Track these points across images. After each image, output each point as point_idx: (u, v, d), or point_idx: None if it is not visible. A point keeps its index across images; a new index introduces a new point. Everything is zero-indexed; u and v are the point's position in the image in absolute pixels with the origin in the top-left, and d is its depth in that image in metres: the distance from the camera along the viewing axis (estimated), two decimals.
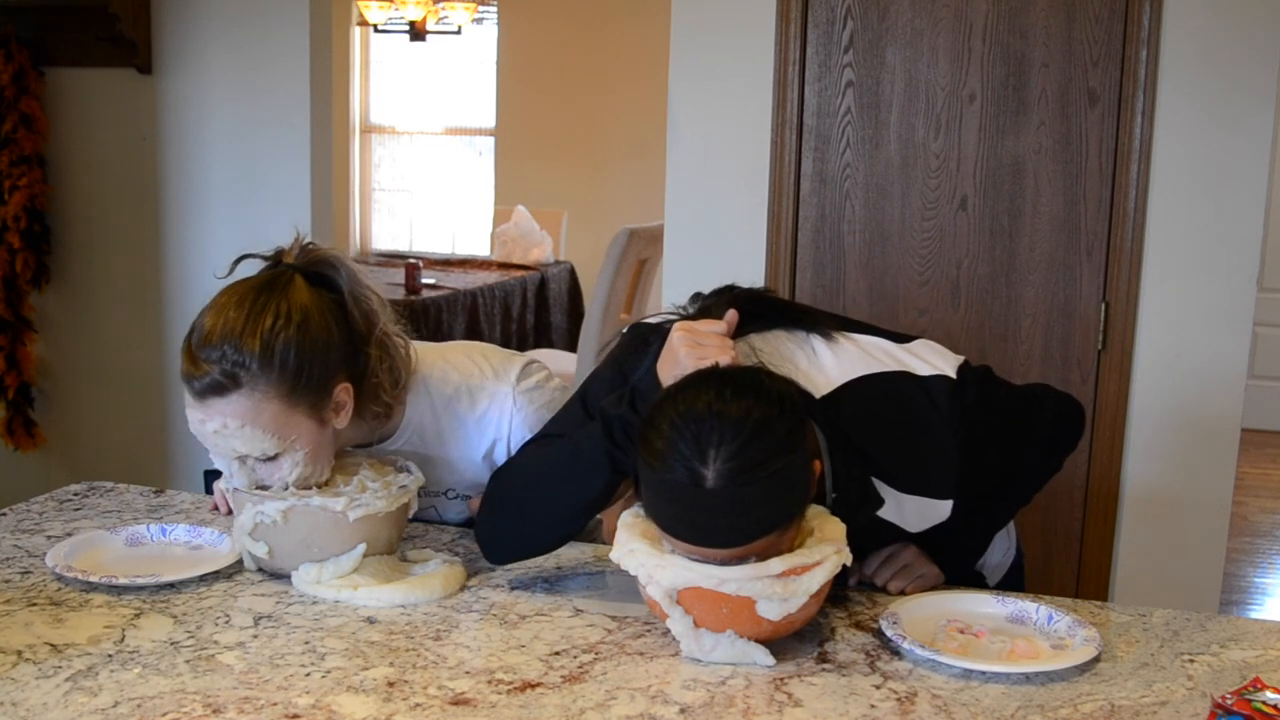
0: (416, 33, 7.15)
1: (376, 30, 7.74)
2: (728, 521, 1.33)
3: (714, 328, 1.50)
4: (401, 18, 7.19)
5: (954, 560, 1.66)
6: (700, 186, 3.12)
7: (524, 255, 6.31)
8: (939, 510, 1.57)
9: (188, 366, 1.53)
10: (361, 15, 7.31)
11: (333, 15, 3.63)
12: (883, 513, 1.56)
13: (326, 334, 1.57)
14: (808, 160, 3.06)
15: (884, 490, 1.55)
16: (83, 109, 3.69)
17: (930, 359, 1.60)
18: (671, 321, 1.55)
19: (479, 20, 7.66)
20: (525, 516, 1.60)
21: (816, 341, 1.58)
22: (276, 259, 1.64)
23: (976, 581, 1.76)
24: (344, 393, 1.60)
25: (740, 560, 1.36)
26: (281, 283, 1.57)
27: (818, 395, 1.51)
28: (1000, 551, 1.82)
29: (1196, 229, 2.83)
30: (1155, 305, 2.87)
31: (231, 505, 1.65)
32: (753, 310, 1.58)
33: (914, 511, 1.57)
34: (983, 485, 1.63)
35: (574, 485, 1.55)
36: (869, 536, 1.60)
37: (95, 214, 3.73)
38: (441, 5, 7.17)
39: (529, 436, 1.71)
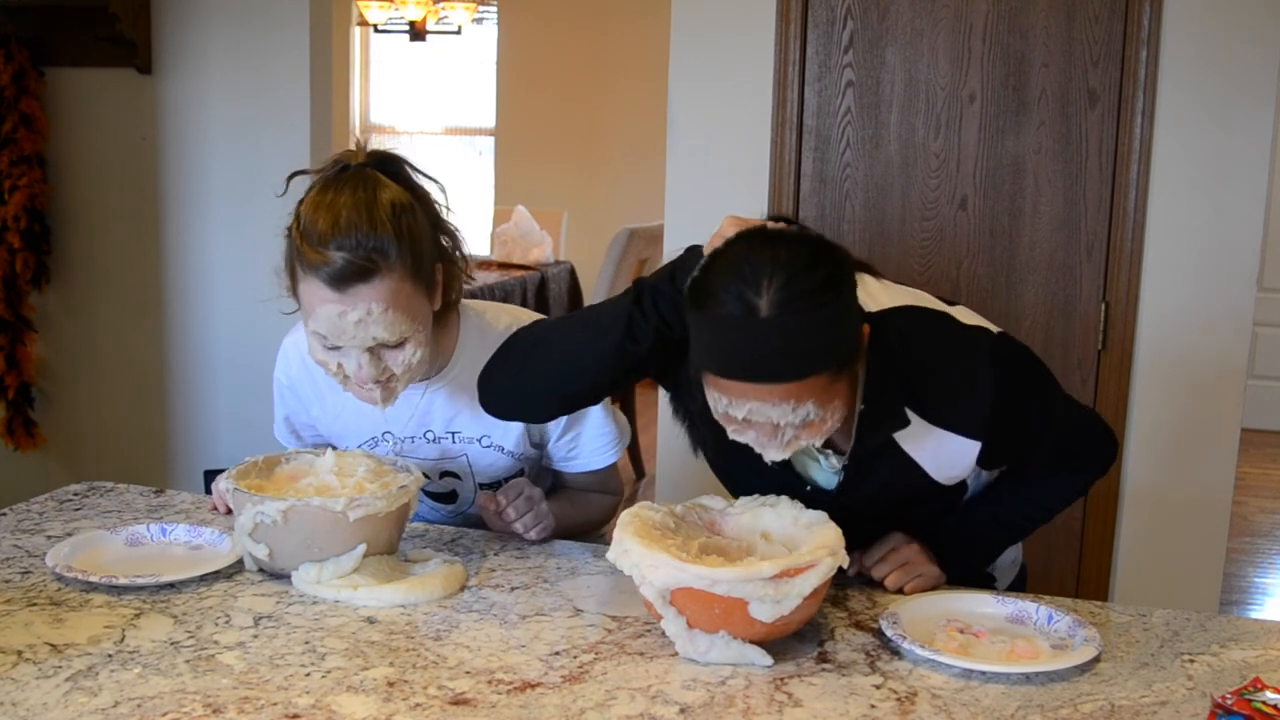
0: (416, 33, 7.16)
1: (376, 30, 7.75)
2: (782, 349, 1.34)
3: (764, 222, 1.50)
4: (401, 18, 7.19)
5: (959, 559, 1.65)
6: (700, 186, 3.12)
7: (524, 255, 6.31)
8: (966, 453, 1.54)
9: (318, 259, 1.54)
10: (361, 15, 7.31)
11: (333, 15, 3.63)
12: (911, 451, 1.55)
13: (422, 219, 1.63)
14: (808, 160, 3.06)
15: (915, 421, 1.53)
16: (83, 109, 3.69)
17: (971, 319, 1.62)
18: None
19: (479, 20, 7.66)
20: (528, 359, 1.62)
21: (867, 275, 1.60)
22: (336, 164, 1.66)
23: (985, 583, 1.76)
24: (439, 273, 1.66)
25: (794, 407, 1.37)
26: (370, 176, 1.61)
27: (872, 306, 1.52)
28: (1011, 552, 1.82)
29: (1196, 229, 2.83)
30: (1155, 305, 2.88)
31: (231, 505, 1.65)
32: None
33: (941, 450, 1.55)
34: (1006, 450, 1.60)
35: (583, 336, 1.58)
36: (889, 499, 1.60)
37: (95, 214, 3.73)
38: (441, 5, 7.17)
39: None
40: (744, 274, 1.35)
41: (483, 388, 1.66)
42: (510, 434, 1.81)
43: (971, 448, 1.54)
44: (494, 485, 1.85)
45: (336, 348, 1.61)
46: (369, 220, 1.54)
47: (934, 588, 1.61)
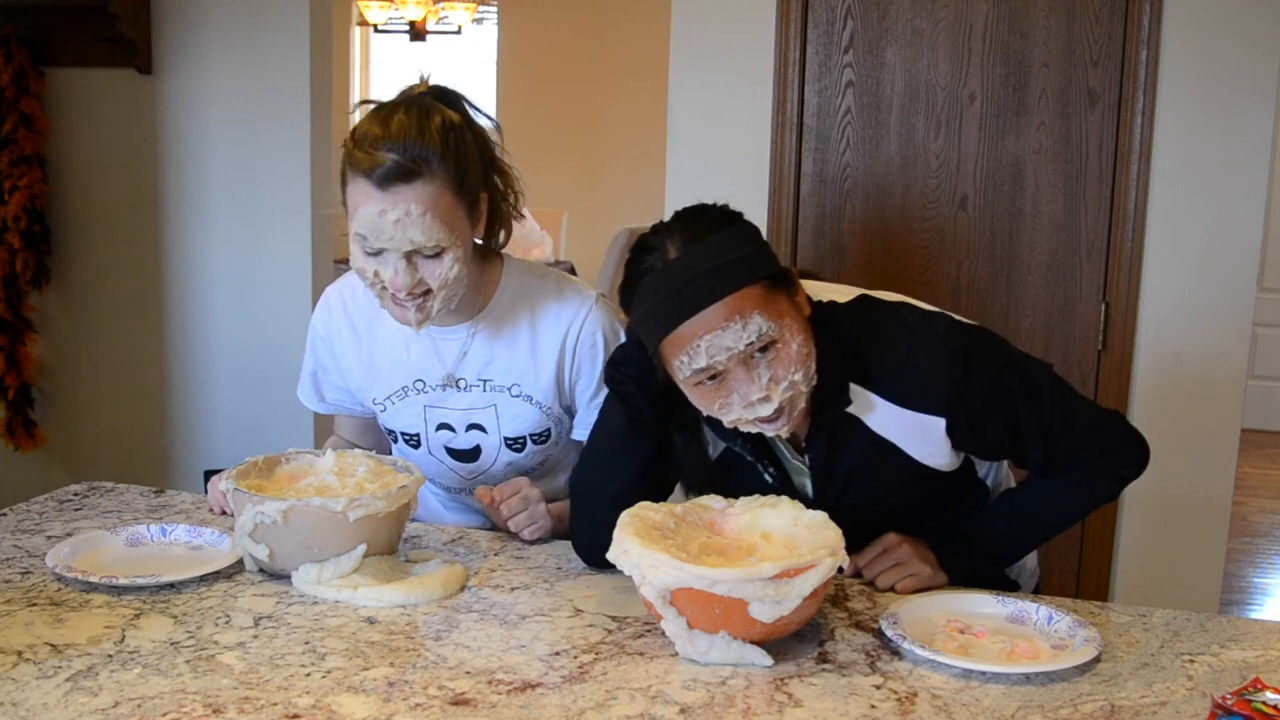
0: (416, 33, 7.16)
1: (376, 30, 7.75)
2: (702, 272, 1.44)
3: None
4: (401, 18, 7.19)
5: (959, 559, 1.64)
6: (700, 186, 3.11)
7: (524, 255, 6.28)
8: (935, 431, 1.56)
9: (365, 161, 1.60)
10: (361, 15, 7.31)
11: (333, 15, 3.63)
12: (881, 430, 1.57)
13: (473, 146, 1.69)
14: (808, 160, 3.06)
15: (873, 400, 1.56)
16: (83, 109, 3.69)
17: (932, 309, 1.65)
18: None
19: (479, 20, 7.66)
20: (578, 495, 1.70)
21: (823, 281, 1.69)
22: (402, 94, 1.73)
23: (1009, 589, 1.74)
24: (484, 203, 1.72)
25: (742, 324, 1.42)
26: (426, 102, 1.68)
27: (815, 299, 1.58)
28: (1031, 560, 1.83)
29: (1196, 229, 2.84)
30: (1155, 305, 2.88)
31: (231, 506, 1.65)
32: None
33: (911, 429, 1.57)
34: (984, 434, 1.59)
35: (598, 435, 1.67)
36: (880, 485, 1.61)
37: (95, 214, 3.73)
38: (441, 5, 7.17)
39: (598, 336, 1.81)
40: (647, 245, 1.50)
41: (577, 548, 1.70)
42: (540, 384, 1.83)
43: (937, 425, 1.56)
44: (520, 443, 1.86)
45: (377, 253, 1.64)
46: (418, 129, 1.62)
47: (929, 588, 1.61)
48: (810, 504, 1.57)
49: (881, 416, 1.57)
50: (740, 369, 1.45)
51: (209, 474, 1.94)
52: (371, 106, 1.72)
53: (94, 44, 3.59)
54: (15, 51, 3.57)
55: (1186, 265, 2.85)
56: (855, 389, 1.56)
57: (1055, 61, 2.88)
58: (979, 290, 2.98)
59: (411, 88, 1.75)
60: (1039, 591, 1.84)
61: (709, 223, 1.49)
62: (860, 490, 1.62)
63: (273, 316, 3.57)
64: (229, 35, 3.52)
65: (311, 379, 1.95)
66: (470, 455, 1.89)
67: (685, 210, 1.54)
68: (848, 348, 1.55)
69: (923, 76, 2.97)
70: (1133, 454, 1.66)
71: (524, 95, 7.59)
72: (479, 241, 1.78)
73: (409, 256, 1.63)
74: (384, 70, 8.13)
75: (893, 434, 1.58)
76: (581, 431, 1.87)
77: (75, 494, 1.95)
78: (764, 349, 1.45)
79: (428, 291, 1.66)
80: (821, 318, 1.55)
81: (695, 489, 1.68)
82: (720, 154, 3.10)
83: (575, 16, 7.39)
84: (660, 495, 1.66)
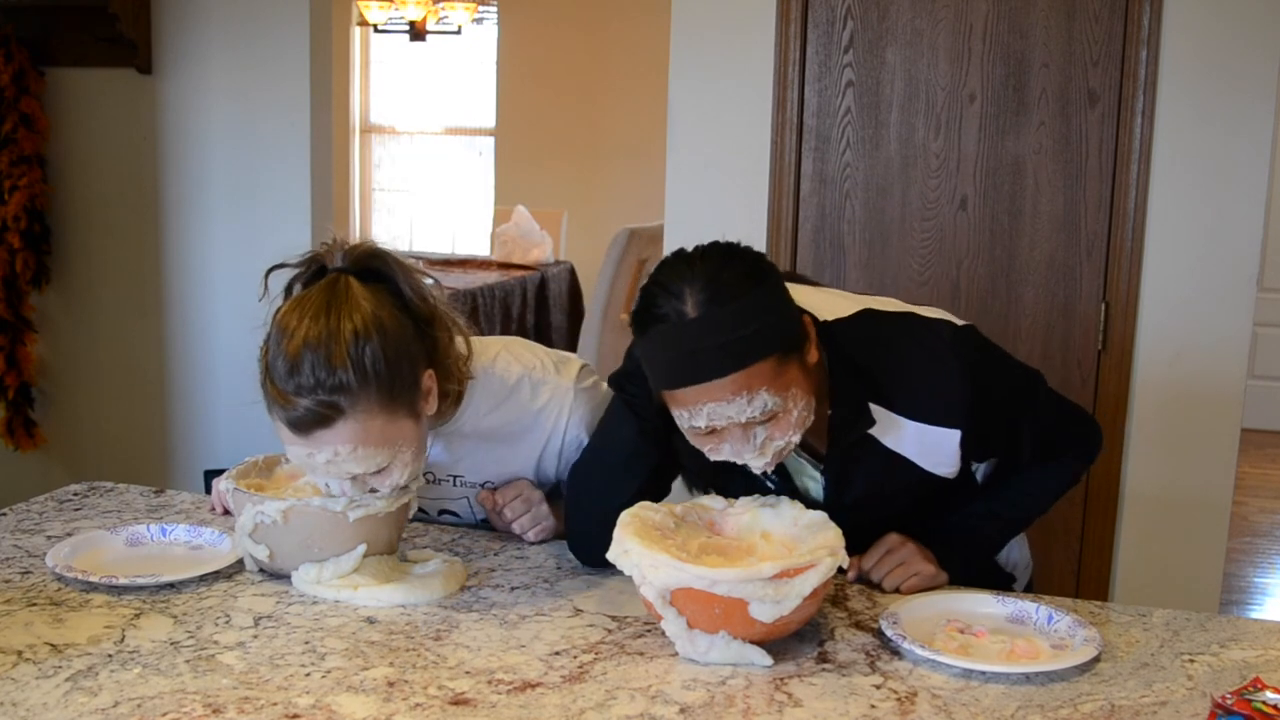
0: (416, 33, 7.16)
1: (376, 30, 7.74)
2: (716, 343, 1.39)
3: None
4: (401, 18, 7.19)
5: (960, 556, 1.65)
6: (700, 186, 3.12)
7: (524, 255, 6.30)
8: (949, 441, 1.57)
9: (280, 401, 1.47)
10: (361, 15, 7.31)
11: (333, 15, 3.63)
12: (893, 445, 1.57)
13: (400, 328, 1.52)
14: (808, 160, 3.06)
15: (891, 418, 1.56)
16: (83, 109, 3.69)
17: (936, 314, 1.65)
18: None
19: (479, 20, 7.66)
20: (578, 497, 1.67)
21: (808, 287, 1.67)
22: (313, 265, 1.58)
23: (1005, 581, 1.76)
24: (430, 379, 1.57)
25: (748, 399, 1.39)
26: (341, 290, 1.51)
27: (821, 319, 1.55)
28: (1025, 553, 1.83)
29: (1196, 229, 2.83)
30: (1155, 305, 2.87)
31: (231, 506, 1.65)
32: None
33: (924, 442, 1.57)
34: (994, 440, 1.62)
35: (606, 443, 1.65)
36: (885, 496, 1.61)
37: (95, 214, 3.73)
38: (441, 5, 7.17)
39: (582, 436, 1.73)
40: (669, 288, 1.42)
41: (573, 548, 1.69)
42: (518, 476, 1.78)
43: (951, 437, 1.56)
44: None
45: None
46: (327, 359, 1.45)
47: (933, 587, 1.61)
48: (812, 506, 1.58)
49: (895, 432, 1.57)
50: (738, 430, 1.44)
51: (209, 474, 1.93)
52: (290, 277, 1.57)
53: (94, 44, 3.59)
54: (15, 51, 3.57)
55: (1186, 265, 2.84)
56: (872, 408, 1.57)
57: (1055, 61, 2.88)
58: (979, 290, 2.98)
59: (325, 252, 1.56)
60: (1033, 583, 1.85)
61: (733, 283, 1.41)
62: (868, 500, 1.63)
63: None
64: (229, 35, 3.52)
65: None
66: (446, 525, 1.88)
67: (713, 255, 1.45)
68: (860, 369, 1.55)
69: (923, 76, 2.97)
70: (1096, 437, 1.75)
71: (524, 95, 7.58)
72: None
73: (355, 479, 1.54)
74: (384, 70, 8.14)
75: (906, 448, 1.58)
76: None
77: (75, 494, 1.95)
78: (765, 421, 1.44)
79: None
80: (831, 342, 1.54)
81: (698, 488, 1.69)
82: (720, 154, 3.10)
83: (575, 16, 7.38)
84: (661, 497, 1.67)
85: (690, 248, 1.48)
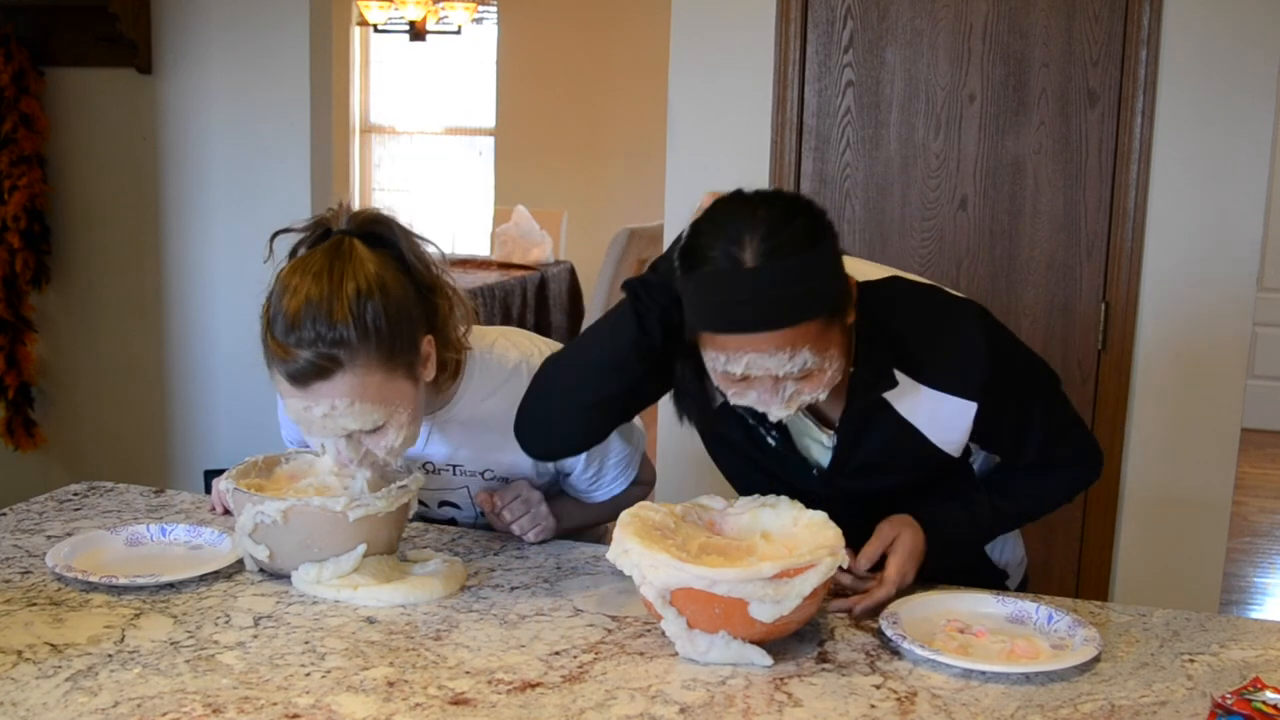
0: (416, 33, 7.16)
1: (376, 30, 7.75)
2: (771, 296, 1.36)
3: None
4: (401, 18, 7.19)
5: (953, 544, 1.64)
6: (700, 186, 3.08)
7: (524, 255, 6.31)
8: (962, 415, 1.56)
9: (280, 353, 1.49)
10: (361, 15, 7.31)
11: (333, 15, 3.63)
12: (906, 413, 1.56)
13: (403, 291, 1.55)
14: (808, 160, 3.06)
15: (909, 383, 1.55)
16: (83, 109, 3.69)
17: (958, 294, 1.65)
18: None
19: (479, 20, 7.67)
20: (554, 382, 1.63)
21: (855, 255, 1.63)
22: (318, 228, 1.60)
23: (998, 578, 1.77)
24: (429, 345, 1.59)
25: (790, 355, 1.38)
26: (345, 250, 1.54)
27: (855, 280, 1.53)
28: (1020, 550, 1.83)
29: (1196, 229, 2.83)
30: (1155, 305, 2.88)
31: (231, 506, 1.65)
32: None
33: (937, 413, 1.57)
34: (1004, 426, 1.62)
35: (600, 342, 1.59)
36: (888, 467, 1.61)
37: (95, 214, 3.73)
38: (441, 5, 7.17)
39: None
40: (727, 231, 1.39)
41: (518, 429, 1.66)
42: (517, 469, 1.77)
43: (967, 409, 1.56)
44: None
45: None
46: (329, 314, 1.47)
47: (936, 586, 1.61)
48: (817, 472, 1.60)
49: (911, 399, 1.56)
50: (770, 382, 1.44)
51: (209, 474, 1.94)
52: (295, 241, 1.59)
53: (94, 44, 3.59)
54: (15, 51, 3.57)
55: (1186, 265, 2.84)
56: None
57: (1055, 61, 2.88)
58: (979, 290, 2.97)
59: (331, 215, 1.60)
60: (1027, 581, 1.85)
61: (796, 237, 1.39)
62: (872, 466, 1.62)
63: None
64: (229, 35, 3.52)
65: (287, 430, 1.89)
66: (445, 523, 1.88)
67: (777, 203, 1.43)
68: (886, 331, 1.54)
69: (923, 76, 2.97)
70: (1098, 456, 1.73)
71: (524, 95, 7.59)
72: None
73: (349, 436, 1.56)
74: (384, 70, 8.14)
75: (918, 417, 1.58)
76: (579, 494, 1.84)
77: (75, 494, 1.95)
78: (801, 378, 1.44)
79: (375, 458, 1.59)
80: (859, 303, 1.52)
81: (692, 421, 1.64)
82: (720, 154, 3.10)
83: (575, 16, 7.39)
84: (626, 419, 1.69)
85: (749, 190, 1.46)
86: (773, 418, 1.49)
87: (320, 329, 1.47)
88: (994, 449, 1.71)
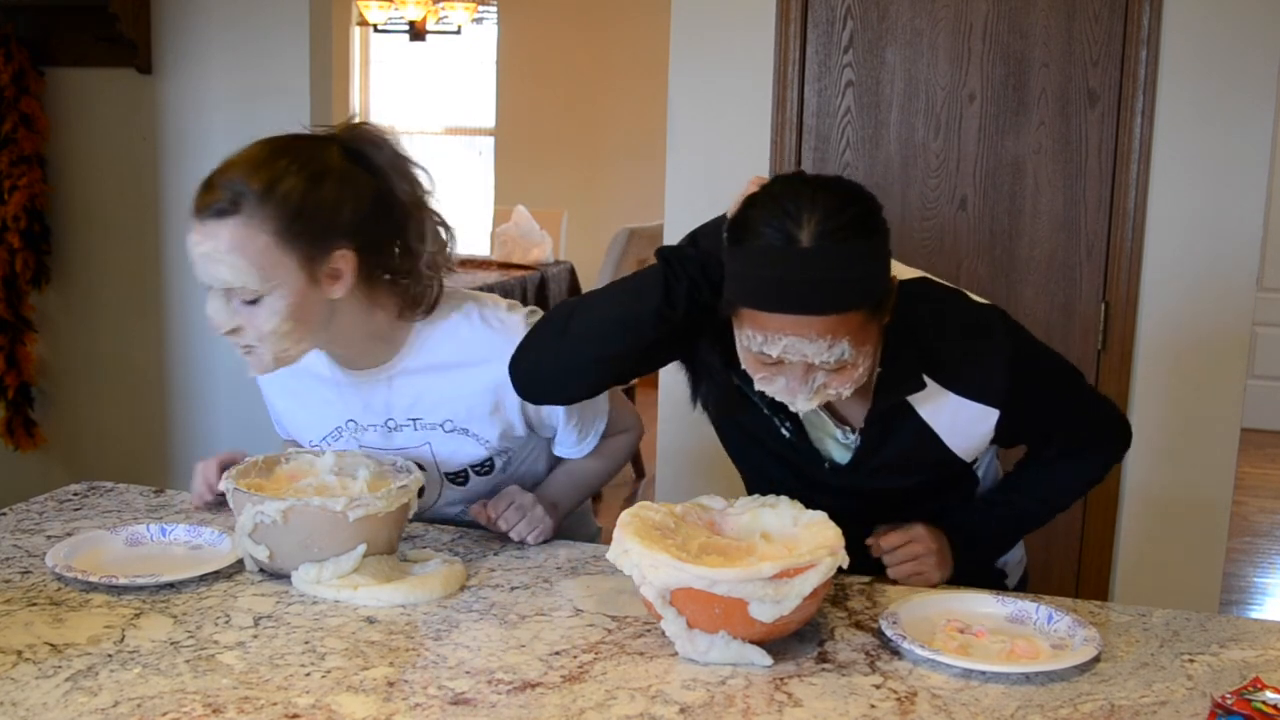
0: (416, 33, 7.16)
1: (376, 30, 7.75)
2: (823, 279, 1.35)
3: None
4: (401, 18, 7.19)
5: (977, 549, 1.65)
6: (700, 186, 3.11)
7: (524, 255, 6.30)
8: (983, 421, 1.56)
9: (199, 192, 1.57)
10: (361, 15, 7.31)
11: (333, 15, 3.63)
12: (928, 417, 1.56)
13: (338, 196, 1.59)
14: (808, 160, 3.06)
15: (934, 387, 1.55)
16: (83, 109, 3.69)
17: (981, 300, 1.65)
18: None
19: (479, 20, 7.66)
20: (568, 325, 1.60)
21: None
22: (329, 129, 1.68)
23: (997, 578, 1.77)
24: (343, 260, 1.60)
25: (830, 344, 1.37)
26: (314, 142, 1.62)
27: None
28: (1019, 549, 1.84)
29: (1196, 229, 2.84)
30: (1155, 305, 2.88)
31: (231, 506, 1.65)
32: None
33: (958, 418, 1.56)
34: (1028, 428, 1.62)
35: (624, 299, 1.57)
36: (904, 470, 1.61)
37: (95, 214, 3.73)
38: (441, 5, 7.17)
39: None
40: (785, 208, 1.38)
41: (514, 365, 1.64)
42: (475, 416, 1.75)
43: (989, 416, 1.56)
44: (462, 477, 1.82)
45: (209, 289, 1.60)
46: (250, 166, 1.56)
47: (936, 584, 1.61)
48: (826, 465, 1.60)
49: (934, 403, 1.56)
50: (801, 369, 1.43)
51: None
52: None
53: (94, 44, 3.59)
54: (15, 51, 3.57)
55: (1186, 265, 2.84)
56: None
57: (1055, 61, 2.88)
58: (979, 290, 2.93)
59: (341, 125, 1.68)
60: (1027, 580, 1.85)
61: (852, 225, 1.39)
62: (888, 469, 1.63)
63: None
64: (229, 35, 3.52)
65: (273, 412, 1.93)
66: (446, 524, 1.87)
67: (836, 189, 1.43)
68: (915, 332, 1.53)
69: (922, 76, 2.97)
70: (1125, 436, 1.75)
71: (524, 95, 7.59)
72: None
73: (226, 296, 1.58)
74: (384, 70, 8.14)
75: (939, 422, 1.57)
76: (565, 449, 1.85)
77: (75, 494, 1.95)
78: (834, 370, 1.43)
79: (250, 339, 1.60)
80: (896, 302, 1.51)
81: (705, 407, 1.64)
82: (720, 154, 3.10)
83: (575, 16, 7.39)
84: (622, 382, 1.71)
85: (808, 175, 1.46)
86: (795, 408, 1.48)
87: (234, 176, 1.55)
88: (1020, 444, 1.72)
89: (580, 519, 1.98)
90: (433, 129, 8.04)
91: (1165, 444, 2.90)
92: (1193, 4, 2.77)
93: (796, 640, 1.44)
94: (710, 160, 3.11)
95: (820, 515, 1.51)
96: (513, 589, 1.60)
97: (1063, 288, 2.94)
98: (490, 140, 7.83)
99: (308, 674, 1.33)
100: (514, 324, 1.73)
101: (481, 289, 6.09)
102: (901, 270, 1.59)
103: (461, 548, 1.75)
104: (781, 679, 1.35)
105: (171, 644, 1.39)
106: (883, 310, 1.45)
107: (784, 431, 1.63)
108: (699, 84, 3.10)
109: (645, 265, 1.62)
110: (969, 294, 1.64)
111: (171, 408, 3.74)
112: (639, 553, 1.39)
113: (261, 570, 1.61)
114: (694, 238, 1.54)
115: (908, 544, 1.62)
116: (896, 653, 1.42)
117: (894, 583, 1.62)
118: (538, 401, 1.72)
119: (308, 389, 1.78)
